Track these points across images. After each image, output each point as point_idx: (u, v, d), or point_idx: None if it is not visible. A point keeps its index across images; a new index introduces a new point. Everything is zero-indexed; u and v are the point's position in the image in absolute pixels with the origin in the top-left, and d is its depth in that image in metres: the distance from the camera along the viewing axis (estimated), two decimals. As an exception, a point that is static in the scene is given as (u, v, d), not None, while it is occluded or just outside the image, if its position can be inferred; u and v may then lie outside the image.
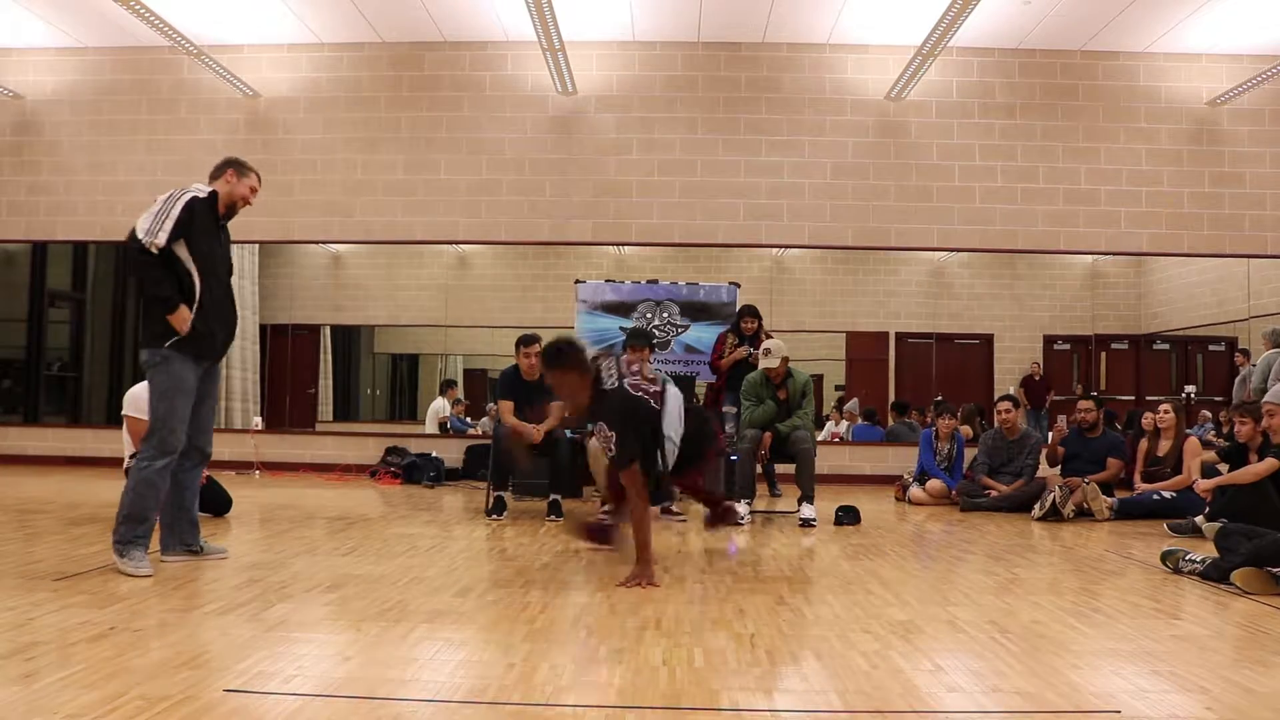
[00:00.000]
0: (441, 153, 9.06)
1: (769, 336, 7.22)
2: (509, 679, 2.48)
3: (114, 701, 2.20)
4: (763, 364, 6.04)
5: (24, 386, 10.11)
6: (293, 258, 10.69)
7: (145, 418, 5.35)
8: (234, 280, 4.30)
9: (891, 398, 10.49)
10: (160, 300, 3.90)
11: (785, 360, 6.05)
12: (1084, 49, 8.91)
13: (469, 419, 10.14)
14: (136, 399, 5.45)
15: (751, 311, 7.41)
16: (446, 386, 10.21)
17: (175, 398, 3.94)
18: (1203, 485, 5.70)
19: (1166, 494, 6.46)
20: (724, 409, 7.37)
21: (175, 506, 4.16)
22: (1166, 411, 6.75)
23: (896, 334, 10.83)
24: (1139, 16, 8.18)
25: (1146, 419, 6.93)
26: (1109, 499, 6.46)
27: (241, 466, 8.77)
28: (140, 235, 3.87)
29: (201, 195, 4.05)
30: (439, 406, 9.89)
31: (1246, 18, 8.13)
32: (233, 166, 4.23)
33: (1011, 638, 3.02)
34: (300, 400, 10.68)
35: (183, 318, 3.94)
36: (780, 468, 6.92)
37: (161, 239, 3.87)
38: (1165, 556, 4.38)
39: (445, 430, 9.59)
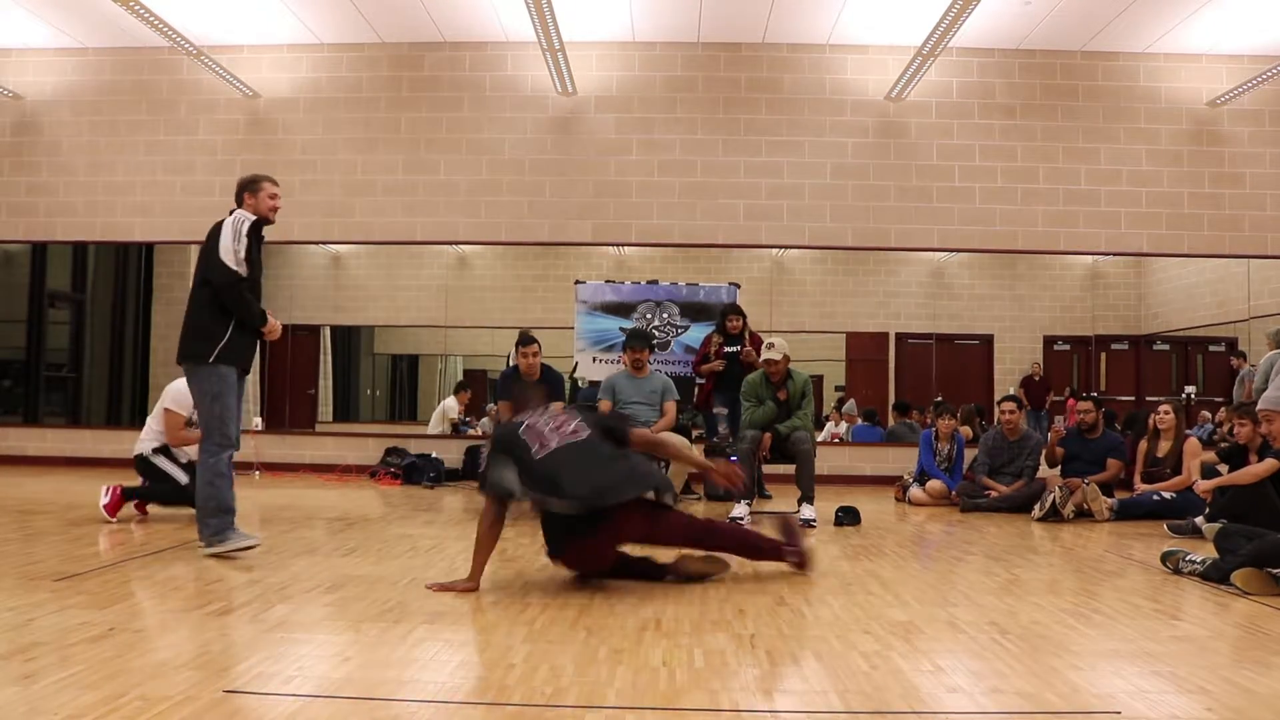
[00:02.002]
0: (441, 153, 9.06)
1: (756, 336, 7.20)
2: (509, 679, 2.48)
3: (114, 702, 2.20)
4: (764, 356, 6.05)
5: (24, 387, 10.11)
6: (293, 258, 10.69)
7: (184, 413, 5.45)
8: None
9: (892, 398, 10.49)
10: (255, 318, 4.40)
11: (786, 359, 6.05)
12: (1084, 49, 8.91)
13: (469, 419, 10.14)
14: (177, 393, 5.49)
15: (735, 310, 7.38)
16: (459, 389, 10.24)
17: (226, 398, 4.37)
18: (1202, 486, 5.70)
19: (1166, 495, 6.46)
20: (715, 410, 7.37)
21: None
22: (1166, 412, 6.75)
23: (896, 334, 10.83)
24: (1139, 17, 8.18)
25: (1155, 418, 6.91)
26: (1109, 500, 6.46)
27: (241, 467, 8.71)
28: (234, 267, 4.31)
29: (250, 221, 4.42)
30: (449, 406, 9.89)
31: (1246, 18, 8.13)
32: (246, 189, 4.54)
33: (1011, 638, 3.02)
34: (300, 401, 10.68)
35: (273, 325, 4.50)
36: (780, 468, 6.91)
37: (245, 269, 4.33)
38: (1165, 557, 4.38)
39: (458, 430, 9.58)
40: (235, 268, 4.31)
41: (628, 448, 3.86)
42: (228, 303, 4.34)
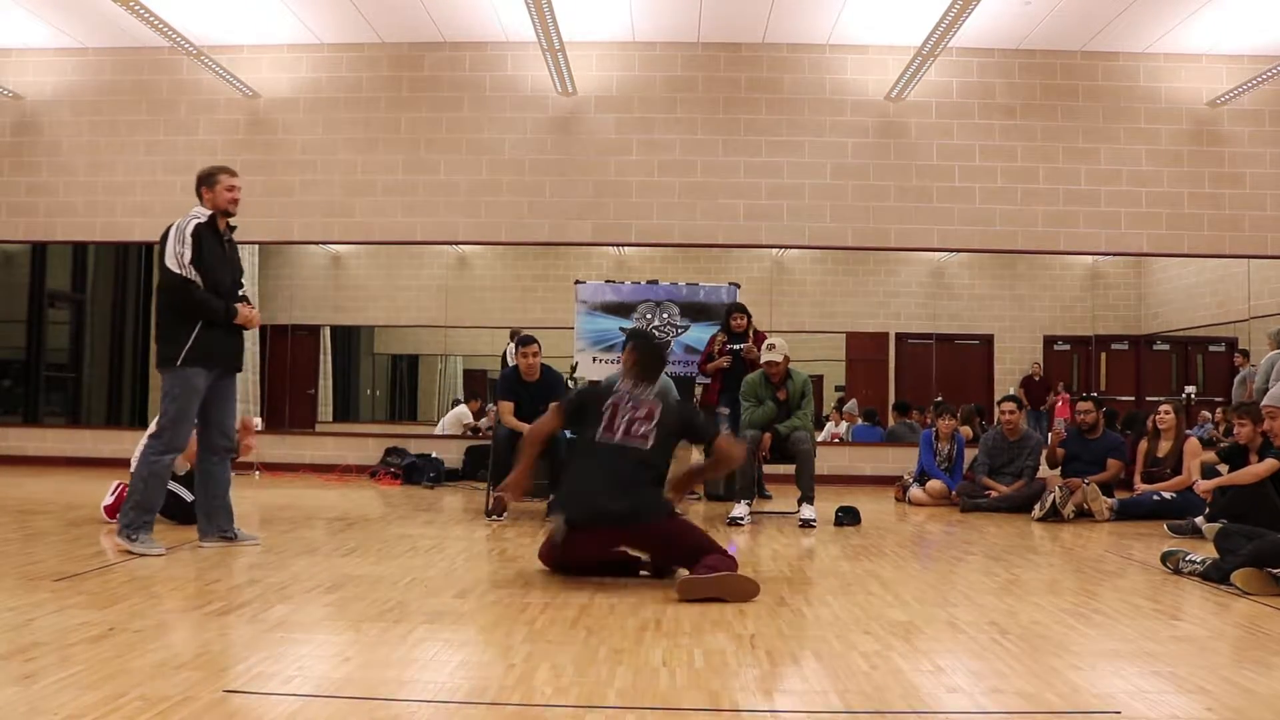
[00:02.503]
0: (441, 153, 9.06)
1: (760, 334, 7.20)
2: (509, 680, 2.48)
3: (114, 702, 2.20)
4: (765, 357, 6.05)
5: (24, 387, 10.11)
6: (293, 258, 10.69)
7: None
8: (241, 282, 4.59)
9: (892, 398, 10.48)
10: (219, 315, 4.37)
11: (786, 359, 6.05)
12: (1084, 49, 8.91)
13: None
14: None
15: (740, 308, 7.39)
16: (471, 398, 10.27)
17: (184, 402, 4.34)
18: (1203, 486, 5.70)
19: (1166, 495, 6.46)
20: (718, 410, 7.37)
21: (210, 497, 4.56)
22: (1167, 412, 6.75)
23: (896, 334, 10.83)
24: (1139, 17, 8.18)
25: (1155, 418, 6.91)
26: (1109, 500, 6.46)
27: (241, 467, 8.74)
28: (177, 270, 4.30)
29: (202, 220, 4.41)
30: (463, 412, 9.90)
31: (1246, 18, 8.13)
32: (203, 184, 4.53)
33: (1011, 638, 3.02)
34: (300, 401, 10.68)
35: (246, 315, 4.46)
36: (780, 468, 6.93)
37: (191, 271, 4.32)
38: (1165, 557, 4.38)
39: (476, 433, 9.55)
40: (179, 270, 4.30)
41: (708, 443, 4.10)
42: (181, 305, 4.32)
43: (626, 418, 3.91)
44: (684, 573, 3.69)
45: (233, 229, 4.62)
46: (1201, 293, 10.26)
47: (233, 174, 4.55)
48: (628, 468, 3.82)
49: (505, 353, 10.15)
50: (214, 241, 4.44)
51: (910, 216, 8.91)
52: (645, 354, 4.19)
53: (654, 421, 3.91)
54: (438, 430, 9.81)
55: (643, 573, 3.96)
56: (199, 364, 4.36)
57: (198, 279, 4.33)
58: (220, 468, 4.59)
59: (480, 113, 9.06)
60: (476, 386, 10.83)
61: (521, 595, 3.55)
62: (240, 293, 4.61)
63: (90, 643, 2.72)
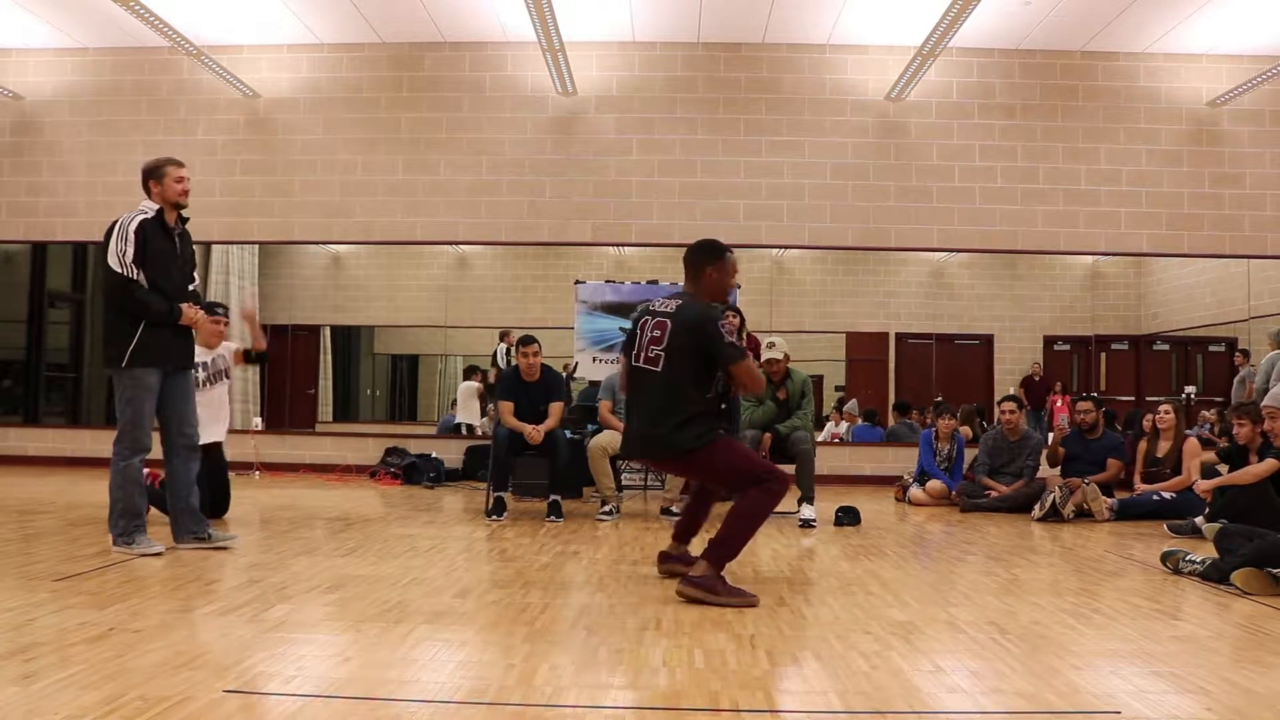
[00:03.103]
0: (441, 153, 9.06)
1: (754, 338, 7.19)
2: (509, 679, 2.48)
3: (114, 702, 2.20)
4: (766, 355, 6.05)
5: (24, 387, 10.11)
6: (293, 258, 10.69)
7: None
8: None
9: (892, 398, 10.49)
10: (162, 317, 4.28)
11: (786, 357, 6.05)
12: (1084, 49, 8.91)
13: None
14: None
15: (731, 308, 7.36)
16: (470, 373, 10.27)
17: (139, 403, 4.28)
18: (1202, 486, 5.70)
19: (1166, 495, 6.46)
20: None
21: (174, 499, 4.49)
22: (1166, 412, 6.75)
23: (896, 334, 10.84)
24: (1139, 17, 8.18)
25: (1147, 420, 6.92)
26: (1109, 500, 6.46)
27: (241, 467, 8.76)
28: (119, 269, 4.22)
29: (149, 215, 4.30)
30: (471, 385, 9.93)
31: (1246, 18, 8.13)
32: (150, 178, 4.40)
33: (1011, 638, 3.02)
34: (300, 401, 10.68)
35: (191, 317, 4.35)
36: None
37: (133, 270, 4.23)
38: (1165, 557, 4.38)
39: (489, 394, 9.44)
40: (120, 270, 4.20)
41: (724, 367, 3.71)
42: (124, 305, 4.23)
43: (646, 339, 3.74)
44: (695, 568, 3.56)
45: (184, 221, 4.47)
46: (1201, 293, 10.26)
47: (179, 165, 4.39)
48: (647, 395, 3.68)
49: (495, 353, 10.18)
50: (162, 238, 4.32)
51: (910, 216, 8.91)
52: (689, 251, 3.94)
53: (663, 344, 3.65)
54: (456, 412, 9.84)
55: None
56: (147, 364, 4.27)
57: (141, 278, 4.23)
58: (184, 469, 4.46)
59: (480, 113, 9.06)
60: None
61: (521, 595, 3.55)
62: (191, 288, 4.48)
63: (90, 643, 2.72)
